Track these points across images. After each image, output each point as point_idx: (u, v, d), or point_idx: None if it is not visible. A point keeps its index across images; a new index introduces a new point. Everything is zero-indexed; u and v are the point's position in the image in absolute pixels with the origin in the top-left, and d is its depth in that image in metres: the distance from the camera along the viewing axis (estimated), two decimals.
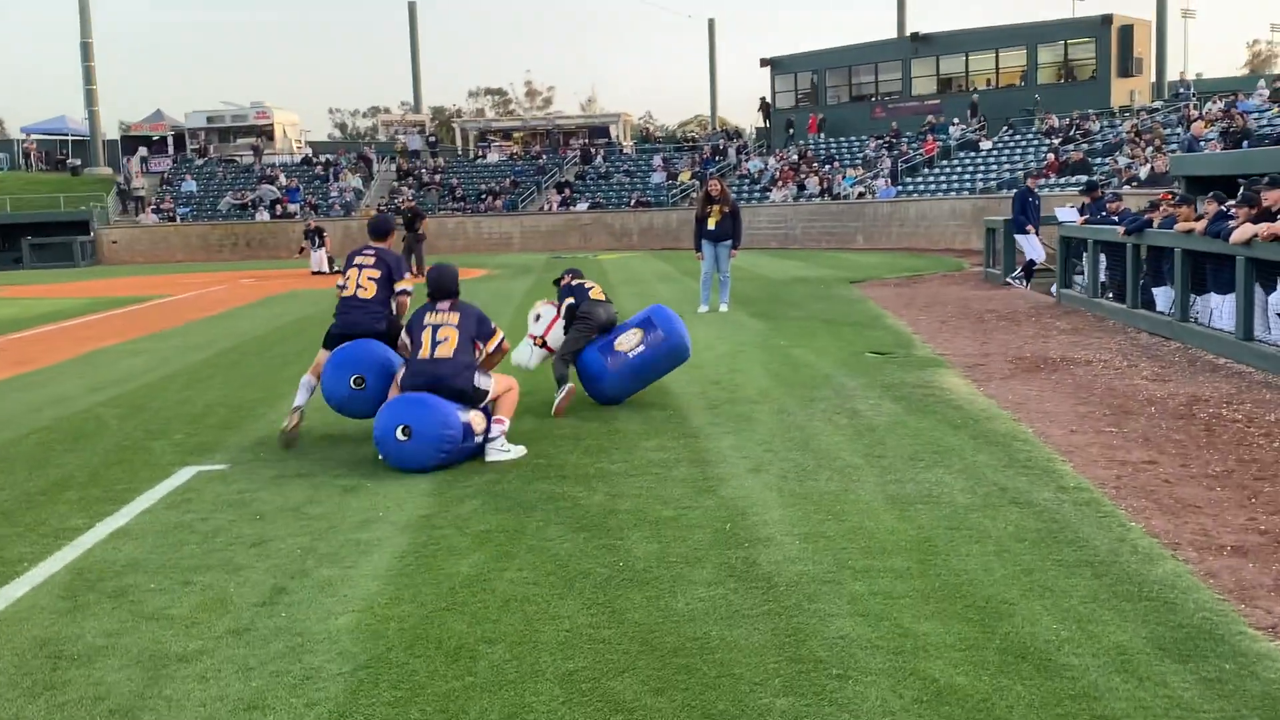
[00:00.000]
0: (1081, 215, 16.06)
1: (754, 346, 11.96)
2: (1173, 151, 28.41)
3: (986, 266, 20.41)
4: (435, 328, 6.94)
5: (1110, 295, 14.10)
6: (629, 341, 8.57)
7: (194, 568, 5.00)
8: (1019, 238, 17.86)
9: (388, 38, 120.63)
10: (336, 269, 29.30)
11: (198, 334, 15.50)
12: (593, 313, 8.65)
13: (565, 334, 8.74)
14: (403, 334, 7.27)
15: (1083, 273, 16.10)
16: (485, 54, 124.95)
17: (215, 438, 7.98)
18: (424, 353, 6.86)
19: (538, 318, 8.97)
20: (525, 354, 8.84)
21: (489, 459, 6.85)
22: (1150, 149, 29.30)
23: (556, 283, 9.16)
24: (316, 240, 30.02)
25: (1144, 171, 27.73)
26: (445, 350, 6.84)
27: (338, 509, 5.90)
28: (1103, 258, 14.40)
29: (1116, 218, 14.59)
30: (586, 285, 8.93)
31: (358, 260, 7.90)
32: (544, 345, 8.85)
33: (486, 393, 6.97)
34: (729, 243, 15.38)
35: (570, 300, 8.73)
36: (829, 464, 6.55)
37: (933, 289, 18.75)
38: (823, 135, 43.37)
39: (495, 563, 4.91)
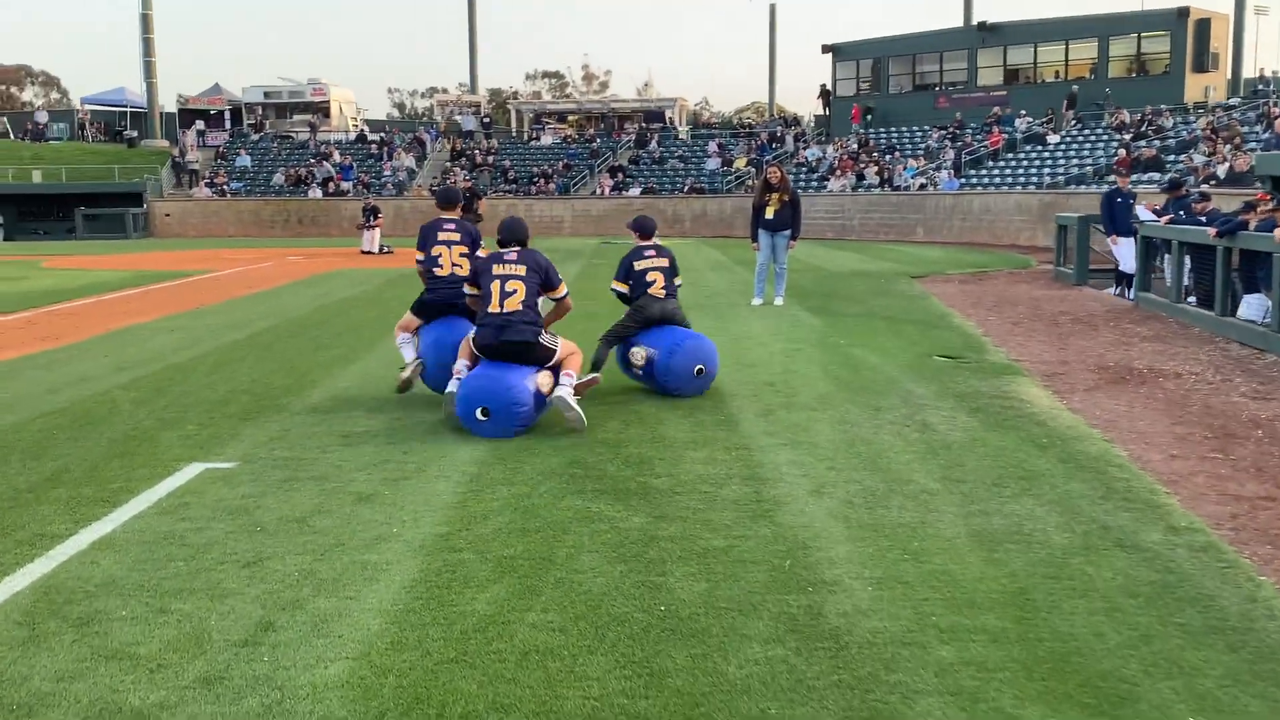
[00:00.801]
0: (1163, 214, 15.05)
1: (811, 345, 11.20)
2: (1252, 150, 27.16)
3: (1057, 265, 19.43)
4: (504, 279, 7.13)
5: (1194, 301, 13.16)
6: (638, 356, 8.45)
7: (176, 591, 4.37)
8: (1109, 244, 16.55)
9: (449, 19, 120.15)
10: (386, 250, 28.85)
11: (236, 312, 15.02)
12: (646, 307, 8.44)
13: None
14: (467, 285, 7.60)
15: (1162, 275, 15.16)
16: (544, 38, 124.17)
17: (230, 429, 7.39)
18: (494, 305, 7.07)
19: None
20: None
21: (558, 394, 7.09)
22: (1229, 147, 28.04)
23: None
24: (371, 219, 29.52)
25: (1222, 170, 26.48)
26: (514, 303, 7.07)
27: (347, 522, 5.26)
28: (1186, 260, 13.46)
29: (1204, 218, 13.64)
30: (647, 271, 8.48)
31: (442, 237, 8.28)
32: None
33: (554, 351, 7.22)
34: (787, 233, 14.60)
35: (622, 289, 8.62)
36: (901, 488, 5.81)
37: (1000, 287, 17.84)
38: (869, 126, 42.28)
39: (517, 600, 4.23)
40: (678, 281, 8.68)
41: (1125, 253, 15.80)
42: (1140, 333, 12.19)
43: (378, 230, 29.43)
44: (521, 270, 7.14)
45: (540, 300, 7.36)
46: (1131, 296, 15.24)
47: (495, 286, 7.10)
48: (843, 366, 9.83)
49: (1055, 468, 6.25)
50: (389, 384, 8.69)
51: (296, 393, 8.72)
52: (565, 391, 7.11)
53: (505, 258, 7.24)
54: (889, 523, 5.21)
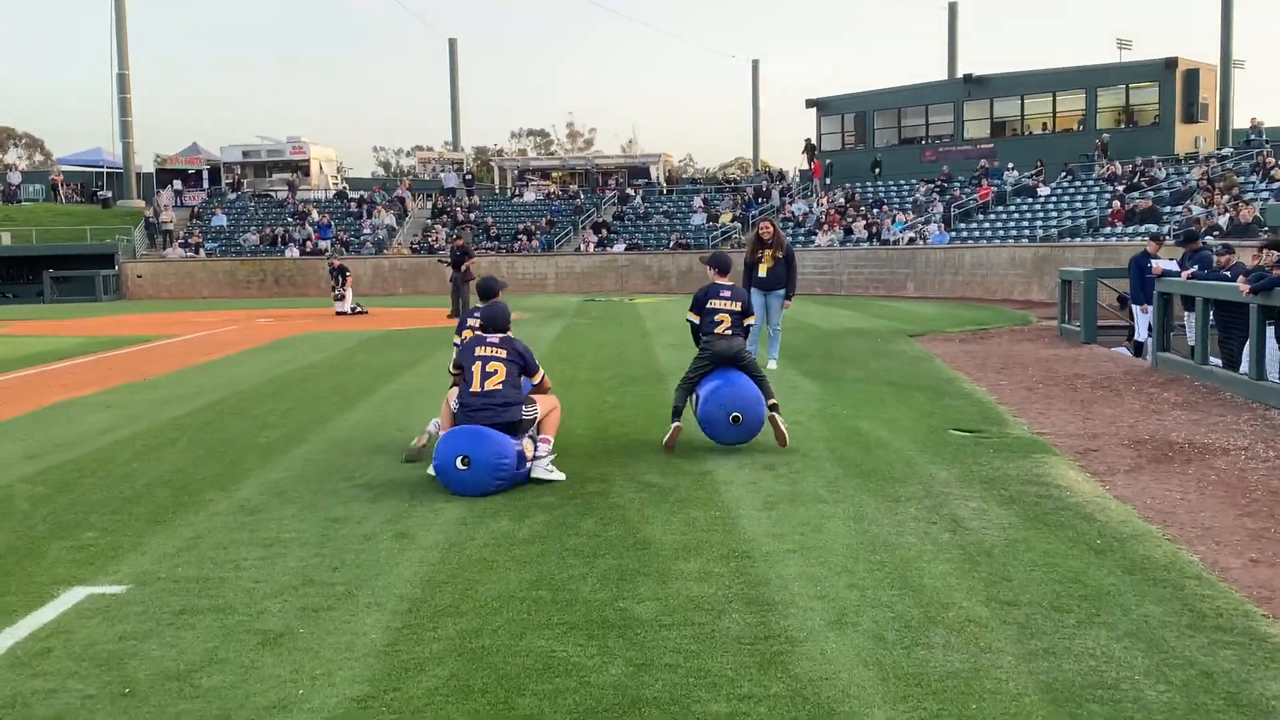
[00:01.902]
0: (1183, 269, 14.10)
1: (811, 417, 10.11)
2: (1252, 200, 26.43)
3: (1062, 321, 18.46)
4: (485, 360, 7.35)
5: (1221, 363, 12.17)
6: (701, 392, 8.58)
7: None
8: (1135, 310, 15.53)
9: (434, 79, 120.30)
10: (360, 310, 27.79)
11: (185, 383, 13.86)
12: (711, 345, 8.63)
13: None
14: (453, 361, 7.71)
15: (1178, 331, 14.20)
16: (530, 96, 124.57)
17: (134, 537, 6.23)
18: (475, 386, 7.29)
19: None
20: None
21: (535, 475, 7.29)
22: (1226, 197, 27.33)
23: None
24: (340, 279, 28.45)
25: (1224, 220, 25.72)
26: (494, 383, 7.30)
27: (242, 678, 4.11)
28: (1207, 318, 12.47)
29: (1228, 273, 12.70)
30: (717, 311, 8.68)
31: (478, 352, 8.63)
32: None
33: (534, 420, 7.43)
34: (782, 291, 13.56)
35: (694, 319, 8.85)
36: (941, 615, 4.70)
37: (1004, 346, 16.84)
38: (829, 180, 41.73)
39: None
40: (749, 322, 8.96)
41: (1145, 320, 14.77)
42: (1168, 398, 11.17)
43: (349, 290, 28.39)
44: (503, 353, 7.40)
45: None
46: (1149, 357, 14.24)
47: (477, 368, 7.33)
48: (850, 444, 8.76)
49: (1121, 581, 5.16)
50: (333, 471, 7.60)
51: (224, 484, 7.58)
52: (542, 472, 7.35)
53: (488, 341, 7.47)
54: (934, 670, 4.09)
